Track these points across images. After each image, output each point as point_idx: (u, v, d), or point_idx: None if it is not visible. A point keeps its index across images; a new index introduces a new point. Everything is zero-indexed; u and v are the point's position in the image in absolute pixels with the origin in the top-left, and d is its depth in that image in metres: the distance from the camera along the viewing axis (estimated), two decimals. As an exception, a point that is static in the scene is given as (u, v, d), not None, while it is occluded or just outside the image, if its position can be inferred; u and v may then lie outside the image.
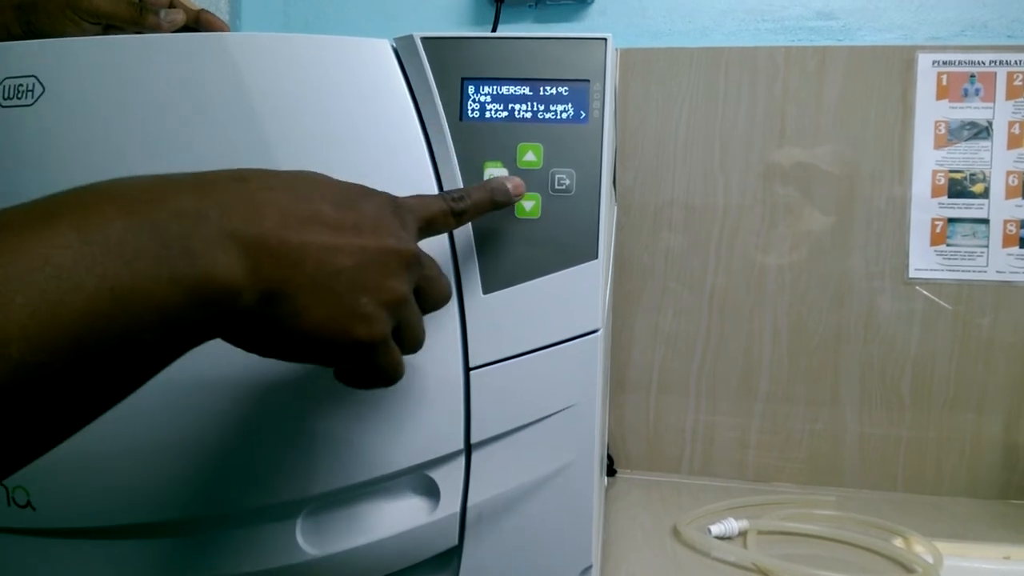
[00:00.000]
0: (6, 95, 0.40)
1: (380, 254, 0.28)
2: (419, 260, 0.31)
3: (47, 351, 0.20)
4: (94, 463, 0.40)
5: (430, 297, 0.33)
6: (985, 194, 0.69)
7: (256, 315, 0.25)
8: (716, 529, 0.58)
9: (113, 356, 0.22)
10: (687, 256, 0.73)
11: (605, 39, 0.39)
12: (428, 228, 0.33)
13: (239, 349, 0.39)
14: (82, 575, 0.41)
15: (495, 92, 0.39)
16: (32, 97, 0.40)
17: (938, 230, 0.70)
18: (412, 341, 0.32)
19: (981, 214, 0.69)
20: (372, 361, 0.29)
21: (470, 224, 0.39)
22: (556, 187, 0.39)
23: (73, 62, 0.40)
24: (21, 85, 0.40)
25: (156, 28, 0.45)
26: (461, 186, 0.39)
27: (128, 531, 0.40)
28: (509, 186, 0.37)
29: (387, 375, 0.31)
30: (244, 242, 0.24)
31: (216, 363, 0.39)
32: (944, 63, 0.69)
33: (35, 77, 0.40)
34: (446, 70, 0.39)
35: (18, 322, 0.19)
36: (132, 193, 0.23)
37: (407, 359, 0.39)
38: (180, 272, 0.23)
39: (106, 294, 0.21)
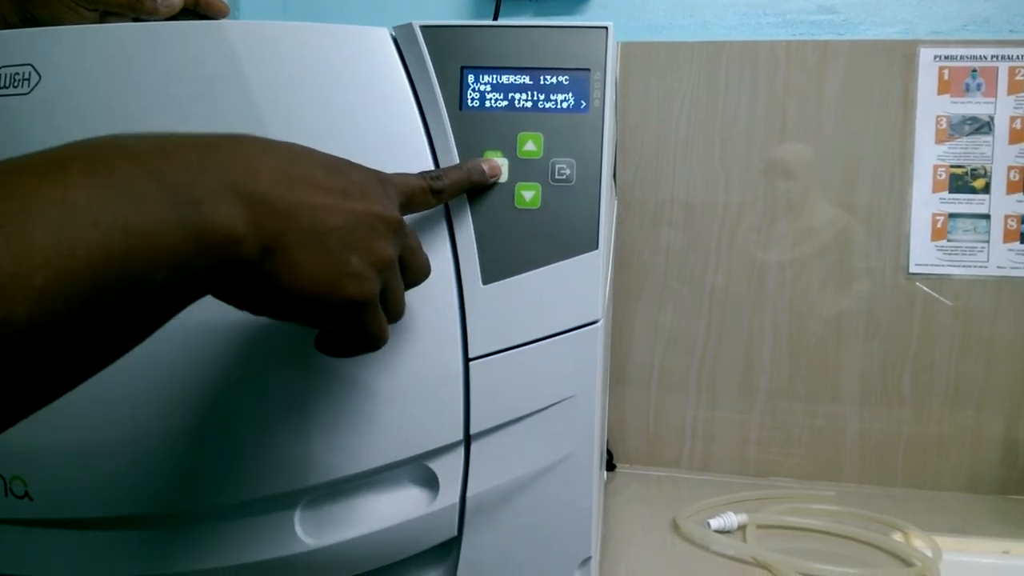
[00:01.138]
0: (2, 84, 0.40)
1: (368, 217, 0.30)
2: (403, 228, 0.32)
3: (68, 285, 0.20)
4: (92, 454, 0.40)
5: (411, 269, 0.34)
6: (986, 189, 0.69)
7: (254, 268, 0.26)
8: (715, 523, 0.57)
9: (127, 297, 0.22)
10: (687, 253, 0.73)
11: (606, 27, 0.39)
12: (408, 204, 0.34)
13: (235, 340, 0.39)
14: (79, 565, 0.41)
15: (495, 81, 0.39)
16: (29, 86, 0.40)
17: (939, 225, 0.70)
18: (395, 308, 0.33)
19: (982, 209, 0.69)
20: (360, 322, 0.30)
21: (470, 214, 0.39)
22: (556, 177, 0.39)
23: (70, 50, 0.40)
24: (18, 74, 0.40)
25: (153, 14, 0.44)
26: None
27: (126, 522, 0.40)
28: (485, 167, 0.38)
29: (373, 339, 0.32)
30: (243, 195, 0.26)
31: (214, 354, 0.39)
32: (946, 58, 0.69)
33: (31, 66, 0.40)
34: (446, 59, 0.39)
35: (41, 253, 0.20)
36: (137, 145, 0.24)
37: (407, 351, 0.39)
38: (186, 218, 0.23)
39: (119, 233, 0.21)
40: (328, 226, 0.28)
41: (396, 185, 0.33)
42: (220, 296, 0.27)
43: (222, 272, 0.25)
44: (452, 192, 0.37)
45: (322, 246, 0.28)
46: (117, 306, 0.22)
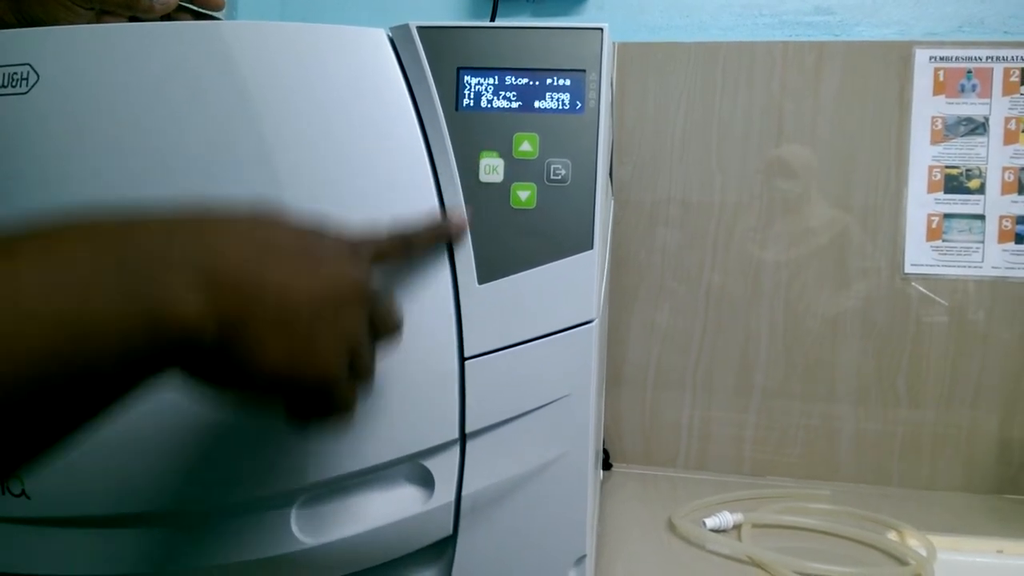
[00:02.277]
0: (1, 83, 0.40)
1: (337, 292, 0.29)
2: (374, 294, 0.32)
3: (9, 381, 0.21)
4: (88, 453, 0.40)
5: (383, 332, 0.34)
6: (981, 190, 0.70)
7: (216, 351, 0.26)
8: (711, 522, 0.58)
9: (75, 387, 0.23)
10: (684, 253, 0.73)
11: (601, 28, 0.39)
12: (382, 263, 0.35)
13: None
14: (76, 564, 0.41)
15: (491, 82, 0.39)
16: (27, 85, 0.40)
17: (934, 225, 0.70)
18: (364, 374, 0.33)
19: (977, 210, 0.70)
20: (328, 398, 0.30)
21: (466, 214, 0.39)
22: (552, 177, 0.39)
23: (68, 50, 0.40)
24: (16, 73, 0.40)
25: (149, 11, 0.44)
26: (455, 177, 0.39)
27: (124, 520, 0.40)
28: (453, 230, 0.38)
29: (341, 413, 0.32)
30: (205, 280, 0.25)
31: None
32: (941, 59, 0.69)
33: (29, 65, 0.40)
34: (442, 60, 0.39)
35: None
36: (100, 230, 0.24)
37: (403, 350, 0.39)
38: (143, 307, 0.24)
39: (68, 327, 0.22)
40: (295, 305, 0.28)
41: (368, 247, 0.33)
42: (184, 372, 0.27)
43: (177, 356, 0.25)
44: (424, 248, 0.38)
45: (287, 326, 0.27)
46: (62, 396, 0.22)
